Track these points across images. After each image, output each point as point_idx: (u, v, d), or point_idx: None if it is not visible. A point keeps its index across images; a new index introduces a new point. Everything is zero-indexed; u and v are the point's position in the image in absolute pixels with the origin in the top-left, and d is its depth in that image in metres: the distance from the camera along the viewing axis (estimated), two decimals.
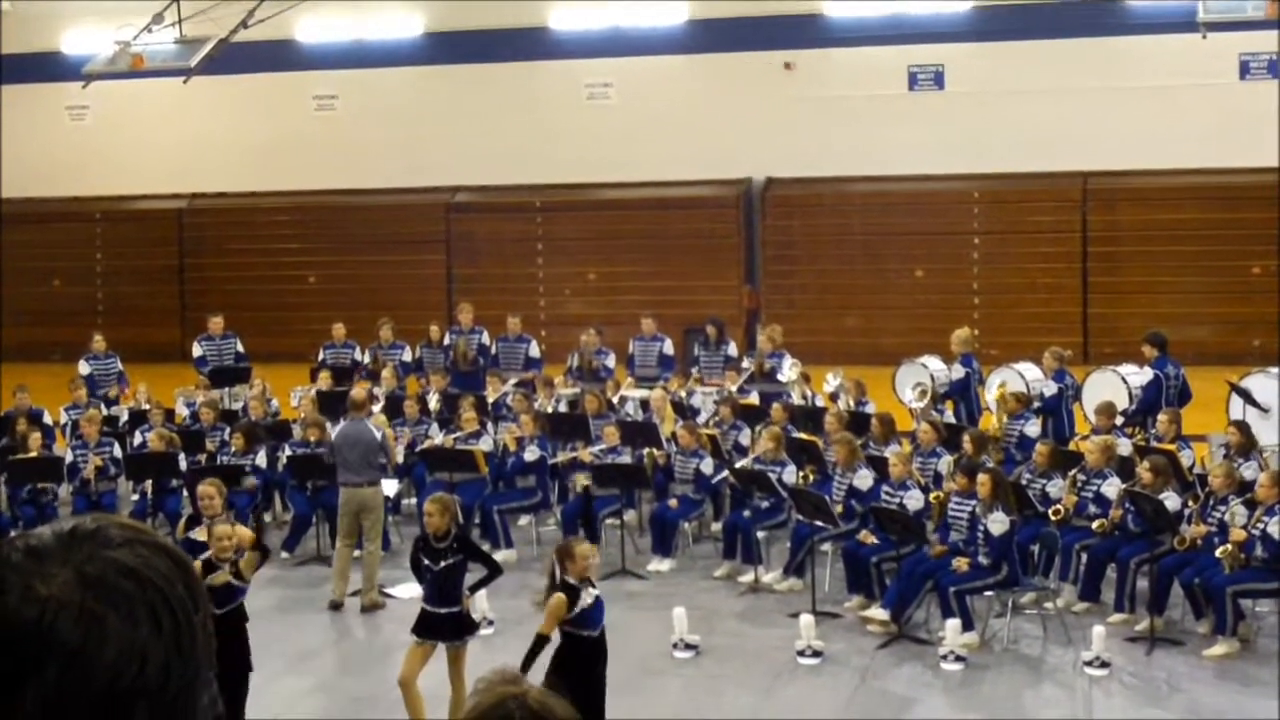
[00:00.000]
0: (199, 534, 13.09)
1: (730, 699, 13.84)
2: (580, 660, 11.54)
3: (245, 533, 13.18)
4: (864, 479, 16.88)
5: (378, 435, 17.08)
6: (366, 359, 23.96)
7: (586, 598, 11.66)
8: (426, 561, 12.84)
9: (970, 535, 15.24)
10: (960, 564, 15.05)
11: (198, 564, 13.03)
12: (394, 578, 17.28)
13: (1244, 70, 29.03)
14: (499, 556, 18.11)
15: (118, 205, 34.48)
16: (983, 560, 15.04)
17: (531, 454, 18.99)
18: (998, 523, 14.91)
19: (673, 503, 18.35)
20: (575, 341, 23.69)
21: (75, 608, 1.80)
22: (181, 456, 19.43)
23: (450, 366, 23.38)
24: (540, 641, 11.57)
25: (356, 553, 16.91)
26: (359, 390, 18.66)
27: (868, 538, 16.14)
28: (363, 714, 13.79)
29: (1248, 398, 19.04)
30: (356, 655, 15.67)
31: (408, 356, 24.07)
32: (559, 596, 11.55)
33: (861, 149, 30.38)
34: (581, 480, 18.71)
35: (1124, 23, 29.29)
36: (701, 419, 20.46)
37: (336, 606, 16.65)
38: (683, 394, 21.72)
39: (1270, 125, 27.76)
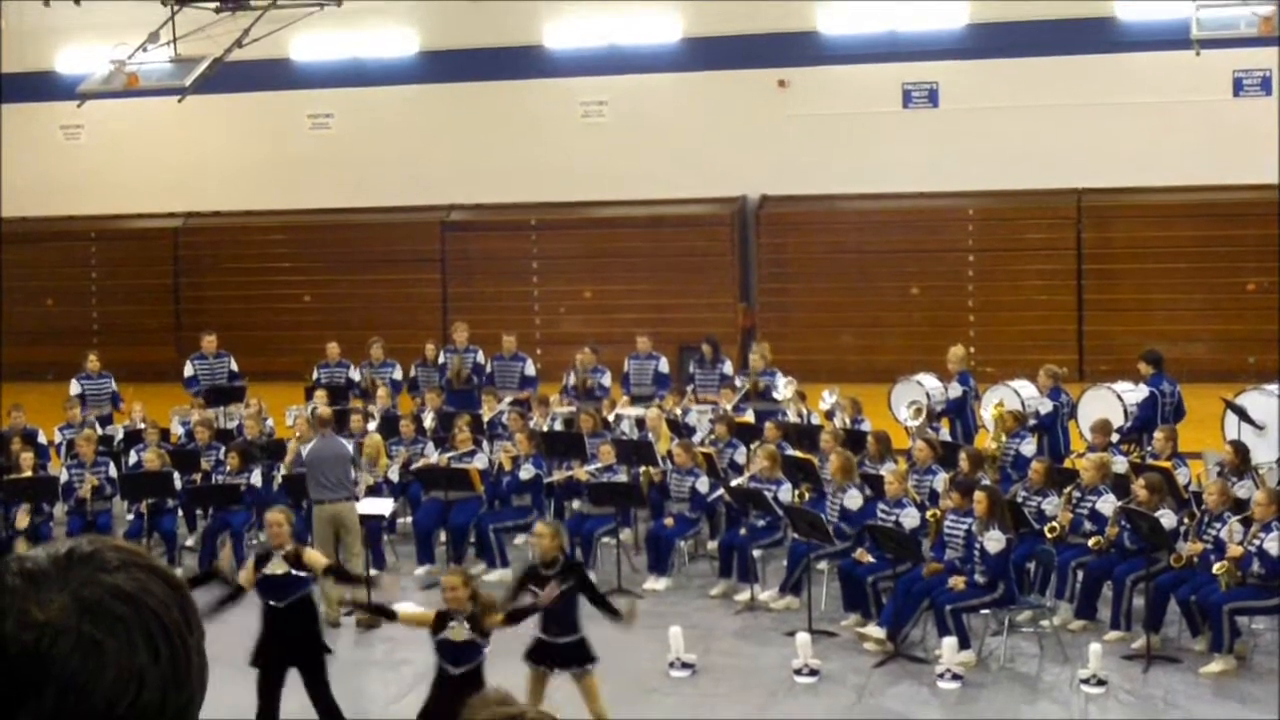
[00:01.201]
0: (276, 568, 12.92)
1: (727, 717, 13.82)
2: (441, 694, 11.63)
3: (317, 557, 13.19)
4: (854, 499, 16.85)
5: (349, 451, 17.07)
6: (357, 377, 23.93)
7: (451, 631, 11.70)
8: (534, 589, 12.76)
9: (966, 553, 15.23)
10: (957, 582, 15.04)
11: (251, 568, 13.06)
12: (389, 597, 17.23)
13: (1238, 87, 29.08)
14: (494, 576, 18.20)
15: (112, 224, 34.46)
16: (979, 578, 15.02)
17: (527, 473, 18.97)
18: (994, 541, 14.90)
19: (669, 521, 18.34)
20: (570, 360, 23.67)
21: (73, 633, 1.79)
22: (176, 476, 19.42)
23: (445, 385, 23.37)
24: (391, 615, 12.32)
25: None
26: (324, 408, 18.62)
27: (864, 556, 16.12)
28: None
29: (1243, 415, 19.05)
30: (347, 672, 15.62)
31: (398, 375, 24.06)
32: (437, 614, 11.89)
33: (856, 166, 30.41)
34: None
35: (1118, 40, 29.33)
36: (697, 437, 20.45)
37: (335, 625, 16.62)
38: (678, 412, 21.72)
39: (1264, 142, 27.81)
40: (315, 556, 13.07)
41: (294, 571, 12.73)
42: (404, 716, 13.54)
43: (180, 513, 19.87)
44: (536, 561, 13.00)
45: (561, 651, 12.62)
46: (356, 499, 17.11)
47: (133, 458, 20.69)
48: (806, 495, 17.68)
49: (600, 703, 12.62)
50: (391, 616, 12.69)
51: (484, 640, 11.72)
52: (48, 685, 1.77)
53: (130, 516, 19.70)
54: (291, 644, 12.88)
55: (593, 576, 17.88)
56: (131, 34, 25.29)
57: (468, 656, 11.67)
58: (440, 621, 11.80)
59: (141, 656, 1.82)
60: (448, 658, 11.74)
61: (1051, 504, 16.45)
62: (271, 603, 12.89)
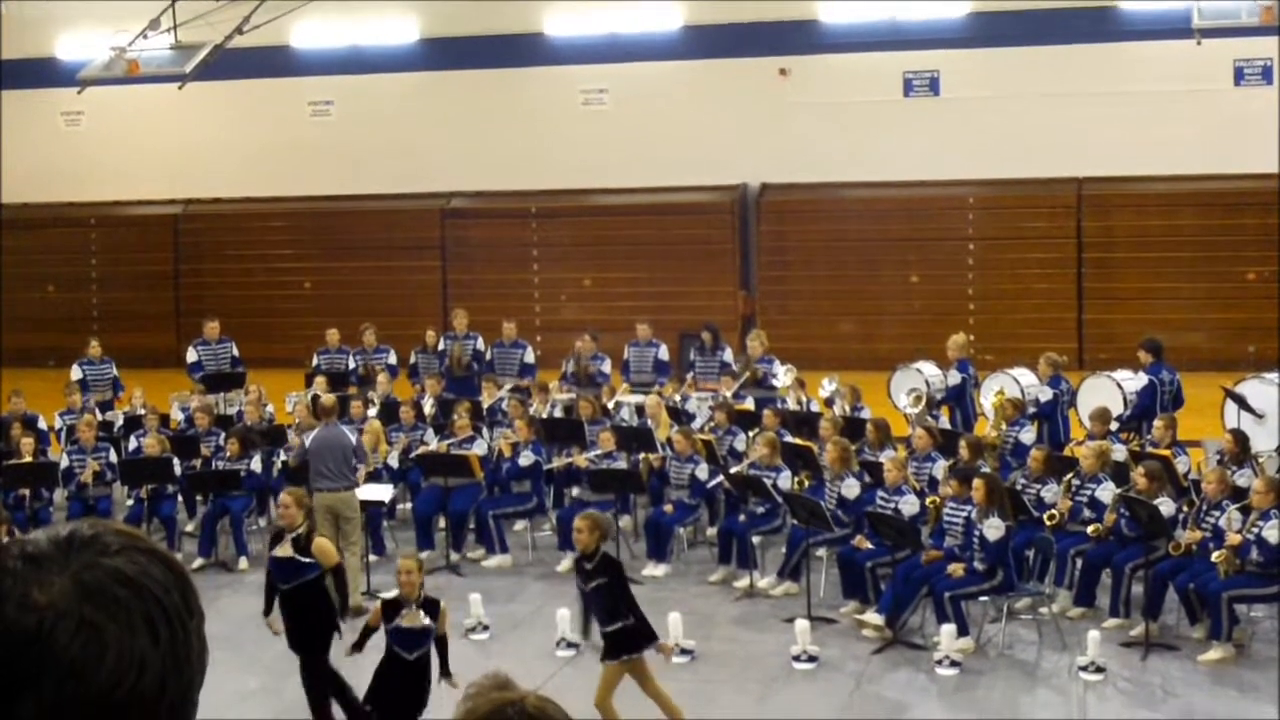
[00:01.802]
0: (281, 550, 12.96)
1: (726, 704, 13.84)
2: (393, 680, 11.71)
3: (328, 550, 13.20)
4: (851, 488, 16.85)
5: (352, 439, 17.05)
6: (353, 365, 23.91)
7: (404, 617, 11.75)
8: (579, 582, 12.76)
9: (966, 540, 15.25)
10: (956, 569, 15.06)
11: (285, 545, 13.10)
12: (388, 583, 17.25)
13: (1239, 76, 29.05)
14: (494, 562, 18.23)
15: (113, 211, 34.45)
16: (978, 566, 15.04)
17: (526, 459, 18.98)
18: (993, 528, 14.91)
19: (668, 508, 18.35)
20: (570, 347, 23.68)
21: (74, 617, 1.79)
22: (176, 462, 19.44)
23: (445, 372, 23.37)
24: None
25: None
26: (329, 396, 18.61)
27: (862, 543, 16.13)
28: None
29: (1243, 403, 19.06)
30: (342, 662, 15.62)
31: (393, 359, 24.06)
32: (378, 606, 12.16)
33: (856, 155, 30.40)
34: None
35: (1119, 29, 29.30)
36: (697, 424, 20.45)
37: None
38: (678, 399, 21.73)
39: (1265, 131, 27.79)
40: (326, 548, 13.05)
41: (298, 557, 12.74)
42: None
43: (180, 498, 19.88)
44: (579, 553, 12.97)
45: (611, 639, 12.58)
46: (356, 487, 17.08)
47: (133, 443, 20.70)
48: (806, 482, 17.70)
49: (656, 684, 12.61)
50: (368, 633, 12.67)
51: (434, 625, 11.84)
52: (48, 669, 1.77)
53: (130, 502, 19.71)
54: (292, 628, 12.90)
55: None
56: (132, 21, 25.30)
57: (421, 642, 11.77)
58: (391, 609, 11.87)
59: (142, 640, 1.82)
60: (402, 644, 11.80)
61: (1051, 492, 16.47)
62: (280, 585, 12.94)
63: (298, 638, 12.91)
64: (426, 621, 11.75)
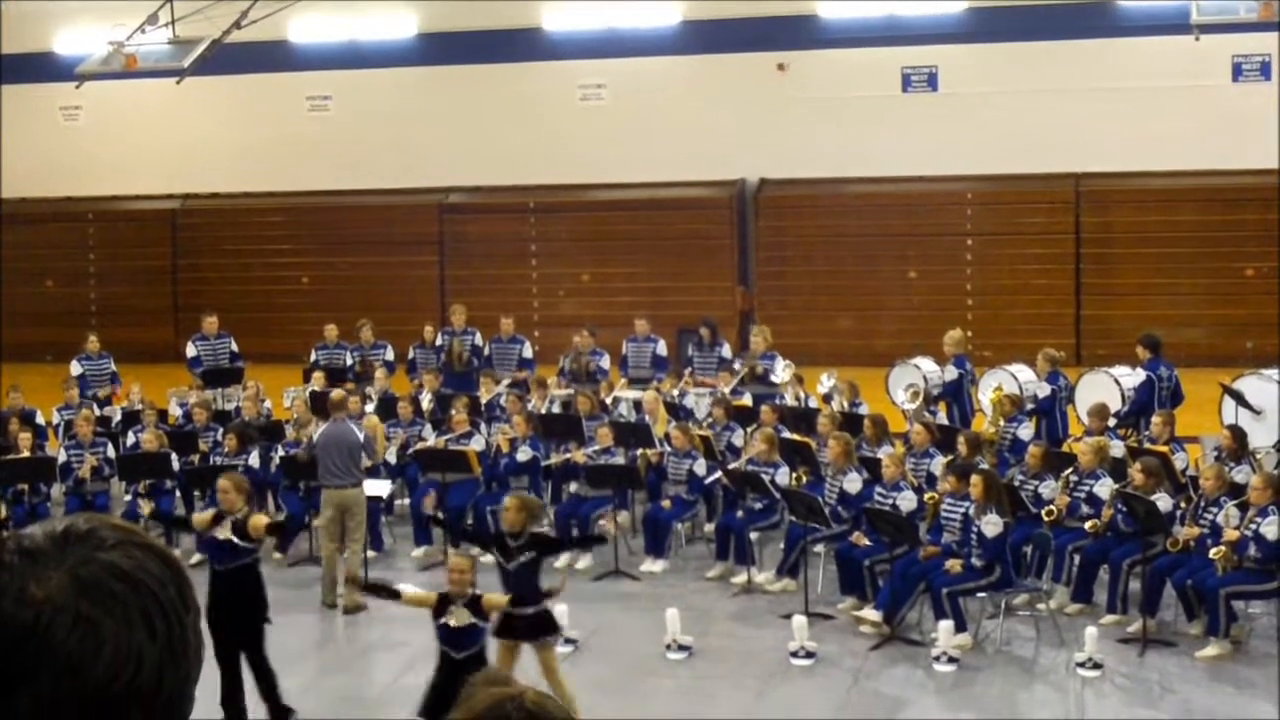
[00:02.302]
0: (220, 532, 13.04)
1: (723, 700, 13.85)
2: (445, 678, 11.61)
3: (260, 520, 13.24)
4: (853, 482, 16.85)
5: (360, 436, 17.03)
6: (350, 361, 23.89)
7: (451, 615, 11.70)
8: (500, 559, 12.78)
9: (964, 537, 15.25)
10: (953, 565, 15.07)
11: (209, 516, 13.16)
12: (387, 578, 17.25)
13: (1237, 72, 29.05)
14: (490, 558, 18.21)
15: (111, 206, 34.44)
16: (976, 562, 15.05)
17: (524, 455, 18.99)
18: (991, 525, 14.91)
19: (666, 503, 18.36)
20: (568, 343, 23.67)
21: (71, 612, 1.79)
22: (174, 457, 19.44)
23: (443, 367, 23.36)
24: (395, 594, 12.18)
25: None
26: (338, 391, 18.60)
27: (861, 539, 16.13)
28: (349, 713, 13.78)
29: (1241, 400, 19.06)
30: (343, 655, 15.66)
31: (390, 355, 24.05)
32: (435, 596, 11.97)
33: (855, 150, 30.38)
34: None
35: (1117, 24, 29.30)
36: (695, 420, 20.44)
37: (332, 606, 16.65)
38: (675, 395, 21.72)
39: (1263, 127, 27.80)
40: (257, 520, 13.11)
41: (235, 540, 12.78)
42: (402, 697, 13.60)
43: (178, 494, 19.87)
44: (505, 530, 13.01)
45: (527, 623, 12.60)
46: (360, 483, 17.07)
47: (130, 439, 20.69)
48: (804, 478, 17.70)
49: (559, 676, 12.59)
50: (395, 596, 12.69)
51: (485, 623, 11.70)
52: (45, 664, 1.77)
53: (128, 497, 19.70)
54: (229, 612, 12.80)
55: (587, 560, 17.99)
56: (130, 15, 25.29)
57: (469, 641, 11.65)
58: (441, 605, 11.80)
59: (139, 635, 1.82)
60: (449, 642, 11.73)
61: (1049, 488, 16.48)
62: (215, 566, 13.03)
63: (229, 623, 12.78)
64: (473, 620, 11.67)
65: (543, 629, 12.69)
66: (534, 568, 12.72)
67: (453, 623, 11.69)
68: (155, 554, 1.91)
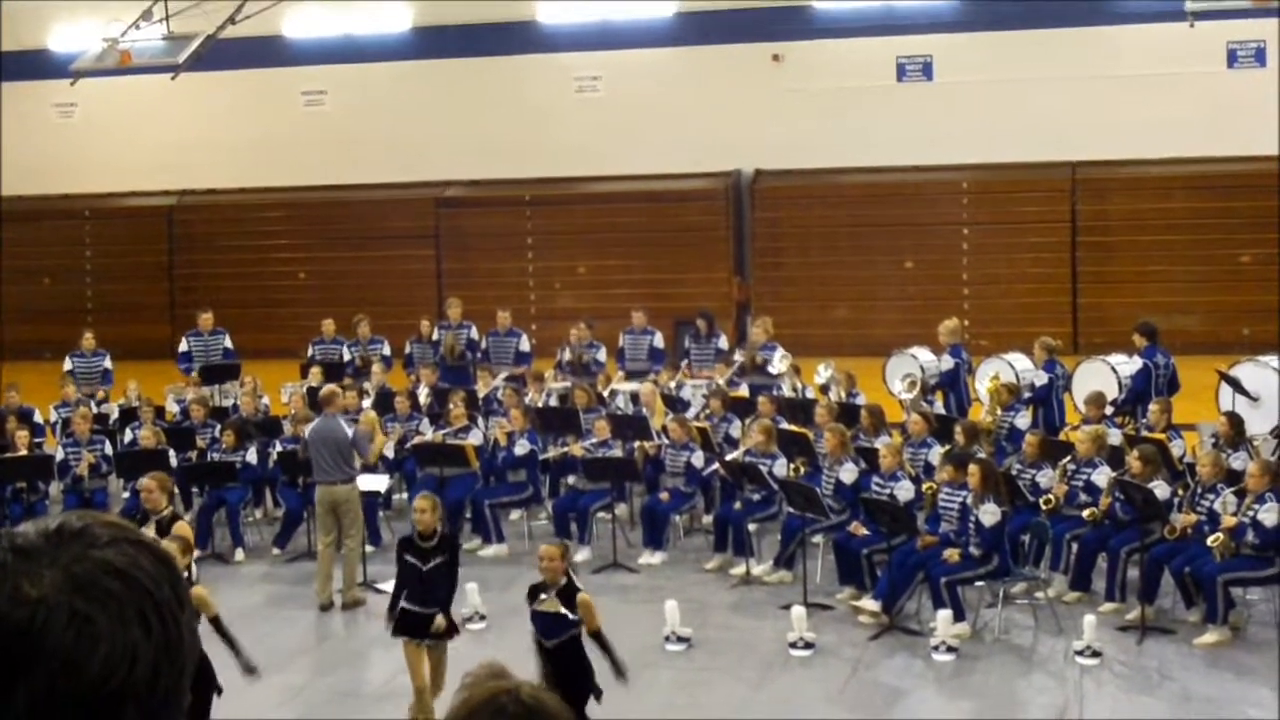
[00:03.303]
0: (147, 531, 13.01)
1: (722, 691, 13.85)
2: (543, 664, 11.48)
3: (184, 528, 13.20)
4: (849, 472, 16.87)
5: (349, 433, 16.95)
6: (348, 356, 23.86)
7: (541, 603, 11.63)
8: (414, 561, 12.73)
9: (961, 526, 15.26)
10: (951, 555, 15.08)
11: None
12: (384, 573, 17.29)
13: (1232, 59, 29.06)
14: (490, 551, 18.24)
15: (107, 202, 34.44)
16: (974, 551, 15.06)
17: (521, 448, 18.98)
18: (989, 514, 14.93)
19: (664, 495, 18.37)
20: (565, 335, 23.68)
21: (65, 610, 1.79)
22: (172, 453, 19.44)
23: (440, 361, 23.34)
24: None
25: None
26: (329, 388, 18.52)
27: (859, 529, 16.13)
28: (346, 710, 13.79)
29: (1237, 386, 19.06)
30: (340, 652, 15.66)
31: (387, 350, 24.04)
32: (531, 586, 11.78)
33: (850, 140, 30.40)
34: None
35: (1112, 12, 29.31)
36: (692, 412, 20.44)
37: (325, 608, 16.60)
38: (672, 387, 21.72)
39: (1259, 114, 27.83)
40: (182, 530, 13.02)
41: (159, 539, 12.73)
42: (400, 694, 13.60)
43: (176, 490, 19.85)
44: (413, 534, 12.94)
45: (426, 622, 12.56)
46: (352, 480, 16.99)
47: (128, 436, 20.68)
48: (801, 469, 17.70)
49: (443, 677, 12.53)
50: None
51: (575, 614, 11.55)
52: (40, 662, 1.77)
53: (126, 494, 19.70)
54: None
55: (585, 553, 18.00)
56: (124, 12, 25.28)
57: (559, 629, 11.54)
58: (533, 593, 11.73)
59: (134, 632, 1.81)
60: (540, 629, 11.65)
61: (1046, 476, 16.49)
62: None
63: None
64: (563, 610, 11.56)
65: (444, 631, 12.67)
66: (446, 570, 12.69)
67: (542, 609, 11.56)
68: (149, 551, 1.90)
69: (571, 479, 19.52)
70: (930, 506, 16.19)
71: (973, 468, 15.24)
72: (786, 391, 20.77)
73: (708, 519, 18.91)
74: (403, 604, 12.73)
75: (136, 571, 1.86)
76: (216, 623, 11.66)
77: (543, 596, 11.57)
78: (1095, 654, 14.09)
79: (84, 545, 1.86)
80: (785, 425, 18.73)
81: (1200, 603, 14.83)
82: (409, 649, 12.62)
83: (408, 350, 24.17)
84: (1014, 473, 16.57)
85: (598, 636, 11.49)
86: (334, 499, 16.66)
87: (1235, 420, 17.29)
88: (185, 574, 11.50)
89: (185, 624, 1.90)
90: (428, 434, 19.85)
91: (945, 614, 14.61)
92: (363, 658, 15.31)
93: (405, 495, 20.04)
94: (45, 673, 1.77)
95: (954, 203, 30.58)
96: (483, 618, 15.67)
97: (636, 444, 19.01)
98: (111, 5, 26.76)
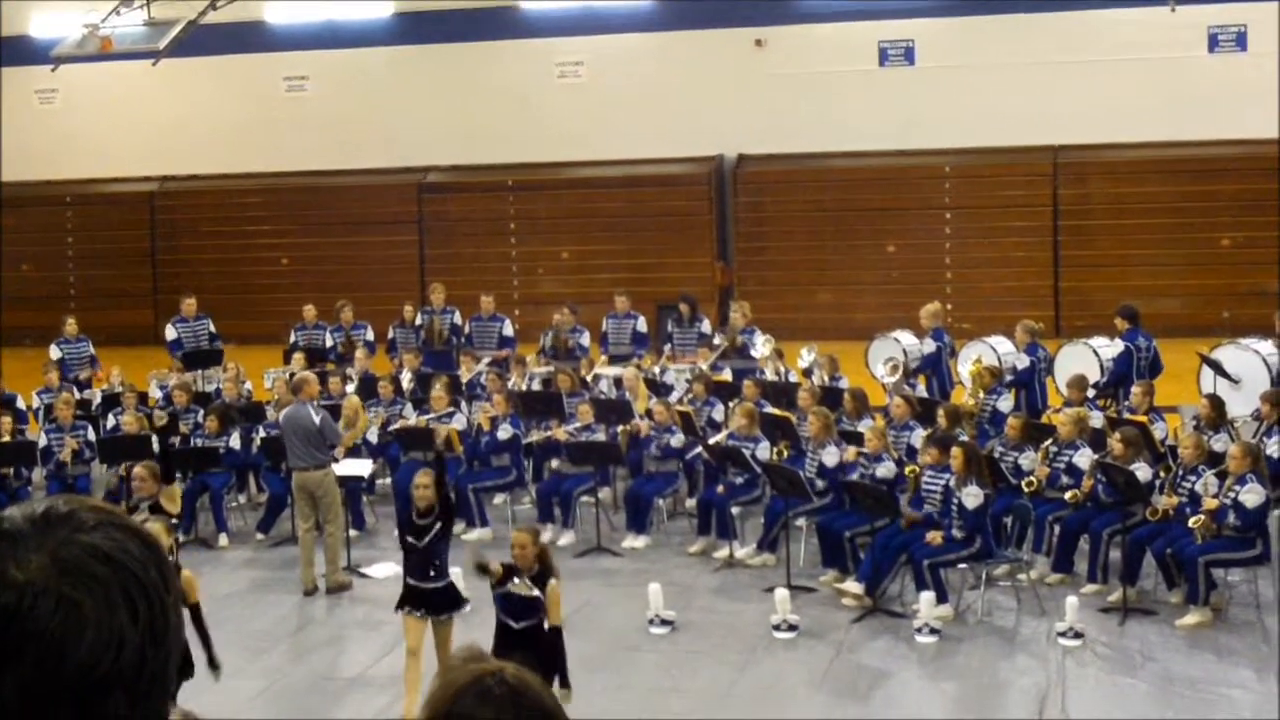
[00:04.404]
0: (139, 518, 13.01)
1: (706, 674, 13.87)
2: (503, 648, 11.42)
3: (174, 494, 13.22)
4: (830, 455, 16.88)
5: (316, 419, 16.84)
6: (331, 342, 23.84)
7: (514, 585, 11.61)
8: (411, 539, 12.74)
9: (944, 508, 15.30)
10: (934, 537, 15.12)
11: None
12: (369, 557, 17.34)
13: (1213, 43, 29.10)
14: (474, 535, 18.24)
15: (89, 189, 34.35)
16: (956, 534, 15.10)
17: (505, 433, 18.97)
18: (972, 496, 14.97)
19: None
20: (548, 320, 23.68)
21: (53, 594, 1.78)
22: (155, 439, 19.39)
23: (423, 346, 23.33)
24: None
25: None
26: (299, 374, 18.45)
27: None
28: (326, 695, 13.79)
29: (1218, 369, 19.12)
30: (321, 636, 15.66)
31: (370, 335, 24.02)
32: (500, 566, 11.67)
33: (833, 125, 30.41)
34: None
35: None
36: (675, 396, 20.44)
37: (309, 593, 16.59)
38: (656, 371, 21.72)
39: (1239, 98, 27.89)
40: (171, 494, 13.08)
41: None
42: (381, 678, 13.63)
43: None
44: (417, 510, 12.88)
45: (431, 596, 12.57)
46: (327, 465, 16.92)
47: (110, 422, 20.65)
48: (785, 453, 17.72)
49: (449, 651, 12.44)
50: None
51: (543, 599, 11.55)
52: (28, 647, 1.77)
53: (110, 480, 19.67)
54: None
55: (569, 537, 18.02)
56: None
57: (530, 612, 11.56)
58: (506, 575, 11.72)
59: (121, 616, 1.81)
60: (506, 611, 11.65)
61: (1028, 459, 16.53)
62: None
63: None
64: (536, 594, 11.55)
65: (450, 603, 12.67)
66: (444, 541, 12.68)
67: (516, 592, 11.54)
68: (135, 535, 1.90)
69: (555, 463, 19.52)
70: (914, 490, 16.23)
71: (955, 451, 15.28)
72: (769, 375, 20.79)
73: (691, 502, 18.92)
74: (407, 579, 12.70)
75: (123, 556, 1.85)
76: (195, 610, 11.63)
77: (515, 580, 11.58)
78: (1077, 635, 14.13)
79: (71, 529, 1.86)
80: (768, 409, 18.74)
81: (1182, 584, 14.89)
82: (409, 619, 12.60)
83: (390, 335, 24.16)
84: (996, 455, 16.61)
85: (555, 634, 11.48)
86: (309, 484, 16.65)
87: (1216, 402, 17.35)
88: (170, 555, 11.60)
89: (172, 609, 1.90)
90: (410, 419, 19.83)
91: (928, 596, 14.64)
92: (344, 642, 15.31)
93: (388, 480, 20.04)
94: (33, 657, 1.77)
95: (936, 187, 30.61)
96: (466, 601, 15.66)
97: (620, 428, 19.01)
98: None
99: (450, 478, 18.74)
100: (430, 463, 12.87)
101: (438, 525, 12.58)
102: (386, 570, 16.73)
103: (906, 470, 16.49)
